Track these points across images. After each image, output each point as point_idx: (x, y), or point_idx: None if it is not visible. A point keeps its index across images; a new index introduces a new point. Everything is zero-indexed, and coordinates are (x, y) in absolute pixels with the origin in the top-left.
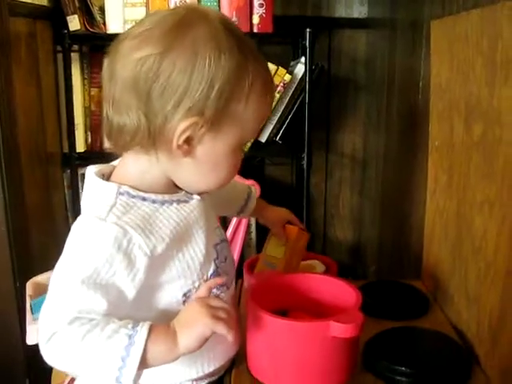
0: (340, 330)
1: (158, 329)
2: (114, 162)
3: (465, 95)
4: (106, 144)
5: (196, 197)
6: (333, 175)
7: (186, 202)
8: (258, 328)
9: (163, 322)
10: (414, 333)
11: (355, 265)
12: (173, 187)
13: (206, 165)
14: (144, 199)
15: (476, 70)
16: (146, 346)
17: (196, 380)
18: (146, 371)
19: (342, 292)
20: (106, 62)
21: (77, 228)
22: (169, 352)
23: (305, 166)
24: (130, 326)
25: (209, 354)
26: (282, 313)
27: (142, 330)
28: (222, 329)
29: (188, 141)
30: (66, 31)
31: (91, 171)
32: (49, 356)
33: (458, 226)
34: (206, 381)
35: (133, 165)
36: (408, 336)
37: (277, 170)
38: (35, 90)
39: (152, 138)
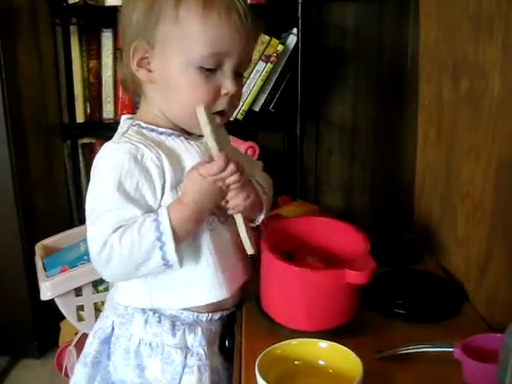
0: (355, 277)
1: (173, 203)
2: None
3: (452, 54)
4: (105, 114)
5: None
6: (323, 144)
7: (189, 137)
8: (273, 273)
9: (192, 241)
10: (408, 274)
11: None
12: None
13: (164, 86)
14: (152, 130)
15: (462, 29)
16: (170, 217)
17: (211, 312)
18: (168, 298)
19: (347, 235)
20: None
21: (98, 155)
22: (187, 211)
23: (298, 133)
24: (151, 214)
25: (221, 277)
26: (289, 256)
27: (162, 209)
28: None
29: (143, 65)
30: (64, 4)
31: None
32: (102, 267)
33: (446, 177)
34: (219, 314)
35: (141, 107)
36: (403, 277)
37: (270, 139)
38: (37, 62)
39: (130, 76)
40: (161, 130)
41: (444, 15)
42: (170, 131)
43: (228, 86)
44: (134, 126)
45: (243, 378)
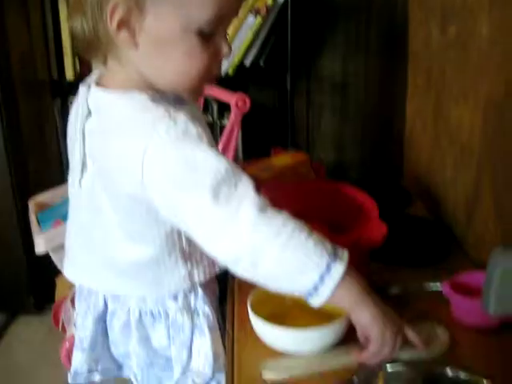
0: (369, 241)
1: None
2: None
3: (440, 1)
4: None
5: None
6: (314, 99)
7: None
8: None
9: None
10: (398, 220)
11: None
12: None
13: (152, 53)
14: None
15: None
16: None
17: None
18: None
19: (353, 198)
20: None
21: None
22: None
23: (288, 88)
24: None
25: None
26: None
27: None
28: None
29: (125, 26)
30: None
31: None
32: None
33: (435, 122)
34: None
35: (113, 74)
36: (393, 223)
37: (260, 95)
38: (24, 19)
39: (97, 37)
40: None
41: None
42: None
43: (225, 49)
44: (145, 96)
45: (236, 317)
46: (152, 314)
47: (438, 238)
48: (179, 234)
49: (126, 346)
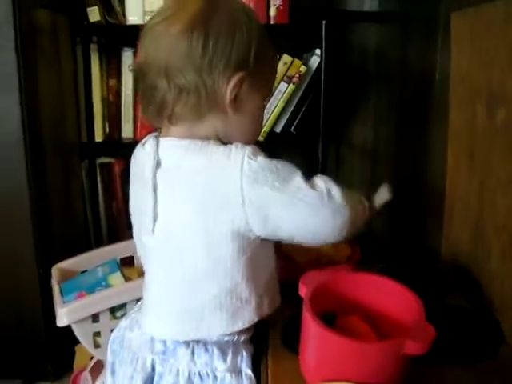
0: (415, 347)
1: None
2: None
3: (487, 82)
4: (124, 134)
5: None
6: (344, 166)
7: None
8: (320, 343)
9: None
10: (439, 309)
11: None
12: None
13: (248, 121)
14: None
15: (499, 57)
16: None
17: (247, 332)
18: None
19: (396, 296)
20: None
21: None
22: None
23: (319, 155)
24: None
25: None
26: (331, 317)
27: None
28: None
29: (237, 98)
30: (85, 22)
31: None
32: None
33: (479, 208)
34: (251, 333)
35: (194, 129)
36: (433, 312)
37: (291, 161)
38: (56, 80)
39: (206, 98)
40: None
41: (478, 42)
42: None
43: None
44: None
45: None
46: (200, 375)
47: (483, 333)
48: (254, 262)
49: None
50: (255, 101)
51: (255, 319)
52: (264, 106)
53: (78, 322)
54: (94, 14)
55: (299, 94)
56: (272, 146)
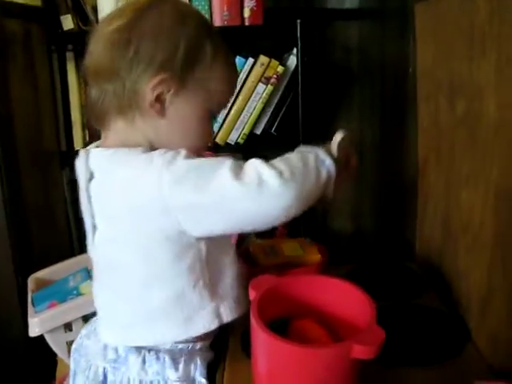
0: (362, 351)
1: None
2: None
3: (448, 74)
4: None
5: None
6: None
7: None
8: (266, 349)
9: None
10: (408, 310)
11: (352, 253)
12: None
13: (178, 128)
14: None
15: (456, 47)
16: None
17: (204, 340)
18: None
19: (349, 296)
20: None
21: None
22: None
23: None
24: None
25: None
26: (285, 321)
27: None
28: None
29: (160, 99)
30: (59, 31)
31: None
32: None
33: (446, 204)
34: (209, 341)
35: (123, 133)
36: (402, 313)
37: None
38: (31, 89)
39: (128, 99)
40: None
41: (439, 33)
42: None
43: (212, 127)
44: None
45: None
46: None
47: (450, 332)
48: (200, 267)
49: None
50: (188, 107)
51: (212, 327)
52: (208, 115)
53: (51, 332)
54: (68, 22)
55: (278, 95)
56: (252, 148)
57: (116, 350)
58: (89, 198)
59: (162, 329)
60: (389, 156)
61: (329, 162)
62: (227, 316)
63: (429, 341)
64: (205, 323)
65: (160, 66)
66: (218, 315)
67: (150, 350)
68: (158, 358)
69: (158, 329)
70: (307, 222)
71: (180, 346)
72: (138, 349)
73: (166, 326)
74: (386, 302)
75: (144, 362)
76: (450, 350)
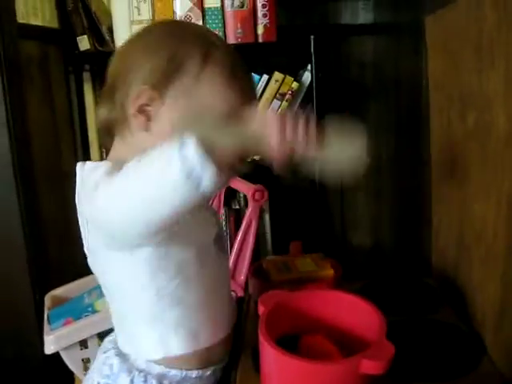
0: (372, 367)
1: None
2: None
3: (458, 85)
4: None
5: None
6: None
7: None
8: (275, 365)
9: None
10: (423, 325)
11: (371, 268)
12: None
13: (157, 137)
14: None
15: (465, 58)
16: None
17: (201, 368)
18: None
19: (359, 311)
20: None
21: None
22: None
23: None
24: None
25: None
26: (295, 337)
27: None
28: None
29: (144, 112)
30: (76, 52)
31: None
32: (106, 209)
33: (460, 216)
34: (210, 369)
35: (118, 148)
36: (417, 329)
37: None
38: (49, 110)
39: (118, 114)
40: None
41: (449, 45)
42: None
43: None
44: None
45: None
46: None
47: (465, 347)
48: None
49: None
50: (172, 121)
51: (189, 351)
52: None
53: (66, 349)
54: (84, 43)
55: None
56: (267, 166)
57: (111, 366)
58: (78, 209)
59: (140, 341)
60: (405, 170)
61: (191, 152)
62: (206, 342)
63: (443, 356)
64: (179, 347)
65: (142, 78)
66: (197, 340)
67: (140, 371)
68: (145, 381)
69: (139, 340)
70: (326, 238)
71: (173, 371)
72: (130, 368)
73: (143, 339)
74: (401, 317)
75: (132, 382)
76: (465, 366)
